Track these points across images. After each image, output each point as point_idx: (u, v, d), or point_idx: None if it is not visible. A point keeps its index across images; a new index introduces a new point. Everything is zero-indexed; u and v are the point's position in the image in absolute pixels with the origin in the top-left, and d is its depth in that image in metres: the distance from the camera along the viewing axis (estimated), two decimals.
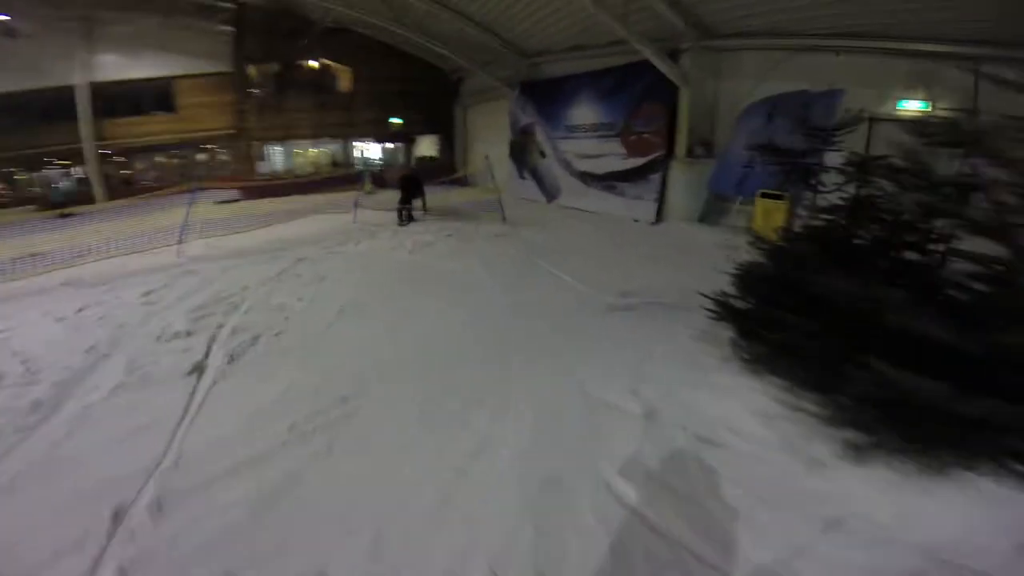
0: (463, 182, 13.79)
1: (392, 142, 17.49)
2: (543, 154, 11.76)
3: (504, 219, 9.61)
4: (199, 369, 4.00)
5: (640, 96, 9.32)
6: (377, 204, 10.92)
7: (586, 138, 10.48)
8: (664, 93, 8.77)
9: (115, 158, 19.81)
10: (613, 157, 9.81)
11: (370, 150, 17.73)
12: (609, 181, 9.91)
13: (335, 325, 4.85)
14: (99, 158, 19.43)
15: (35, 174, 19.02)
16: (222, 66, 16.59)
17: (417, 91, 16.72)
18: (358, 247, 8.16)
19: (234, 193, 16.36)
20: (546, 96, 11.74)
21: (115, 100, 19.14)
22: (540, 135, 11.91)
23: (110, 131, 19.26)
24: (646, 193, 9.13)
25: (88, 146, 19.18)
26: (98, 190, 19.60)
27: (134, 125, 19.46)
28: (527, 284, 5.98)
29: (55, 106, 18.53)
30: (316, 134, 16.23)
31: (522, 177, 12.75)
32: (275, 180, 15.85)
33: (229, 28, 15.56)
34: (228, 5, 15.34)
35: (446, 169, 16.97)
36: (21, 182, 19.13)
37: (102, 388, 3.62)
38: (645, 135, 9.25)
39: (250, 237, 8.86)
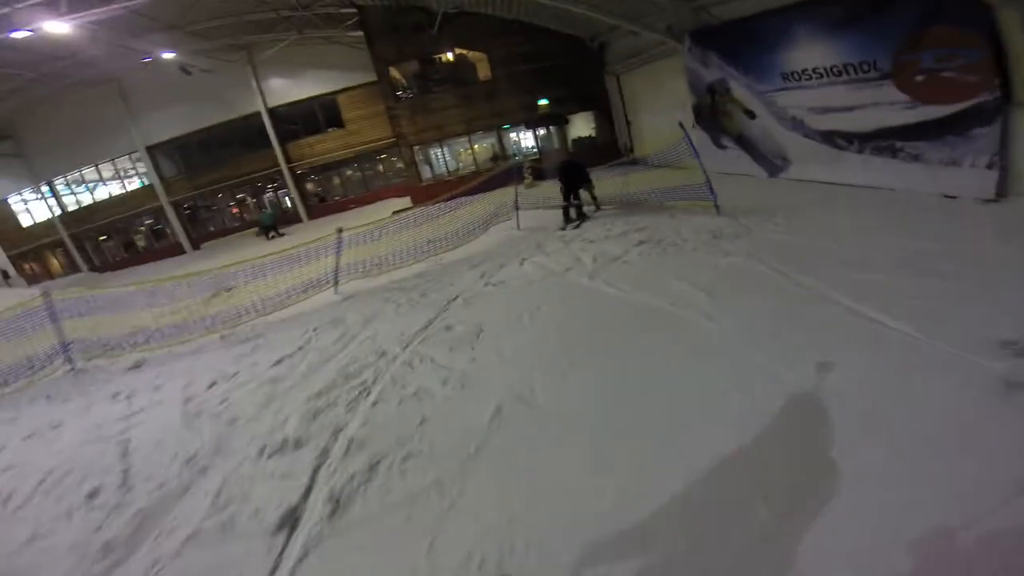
0: (633, 162, 11.15)
1: (544, 126, 15.57)
2: (751, 114, 8.46)
3: (718, 209, 6.68)
4: (291, 522, 2.72)
5: (919, 19, 5.65)
6: (540, 199, 9.06)
7: (824, 86, 6.97)
8: (966, 13, 5.11)
9: (310, 177, 21.92)
10: (885, 107, 6.18)
11: (525, 138, 16.09)
12: (884, 140, 6.31)
13: (487, 445, 2.99)
14: (295, 179, 21.66)
15: (260, 197, 22.07)
16: (371, 75, 16.57)
17: (557, 66, 14.45)
18: (523, 268, 6.32)
19: (407, 200, 16.47)
20: (736, 42, 8.42)
21: (293, 122, 21.05)
22: (740, 91, 8.62)
23: (295, 152, 21.27)
24: (967, 155, 5.40)
25: (284, 169, 21.42)
26: (301, 209, 21.92)
27: (314, 144, 21.16)
28: (814, 341, 3.21)
29: (247, 134, 20.76)
30: (467, 129, 15.23)
31: (720, 146, 9.57)
32: (439, 182, 15.29)
33: (359, 33, 15.30)
34: (349, 10, 14.95)
35: (609, 149, 14.54)
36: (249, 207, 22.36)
37: (180, 530, 2.88)
38: (946, 73, 5.54)
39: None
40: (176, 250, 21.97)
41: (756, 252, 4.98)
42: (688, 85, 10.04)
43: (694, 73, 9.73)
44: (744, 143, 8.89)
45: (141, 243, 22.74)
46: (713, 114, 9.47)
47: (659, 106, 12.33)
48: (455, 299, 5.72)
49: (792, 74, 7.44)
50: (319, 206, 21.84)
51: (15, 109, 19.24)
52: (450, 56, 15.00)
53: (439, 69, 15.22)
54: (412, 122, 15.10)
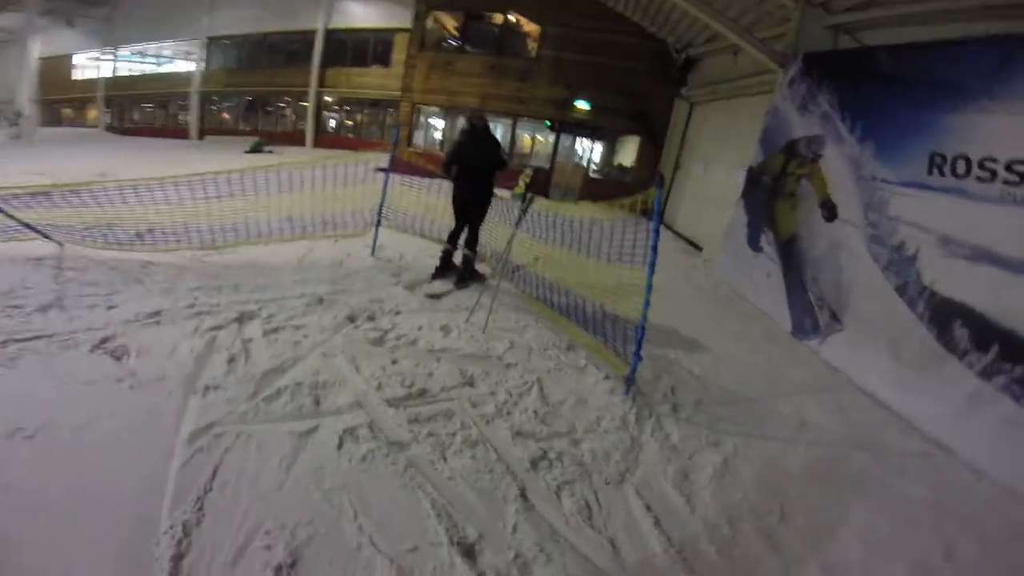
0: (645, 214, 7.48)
1: (576, 134, 11.97)
2: (829, 210, 4.60)
3: (626, 387, 3.01)
4: None
5: None
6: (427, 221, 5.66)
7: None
8: None
9: (335, 106, 20.17)
10: None
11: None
12: None
13: None
14: (317, 103, 19.78)
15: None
16: None
17: (619, 68, 10.87)
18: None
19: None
20: (875, 81, 4.37)
21: (343, 48, 19.05)
22: (835, 164, 4.75)
23: (331, 78, 19.27)
24: None
25: (312, 91, 19.55)
26: (309, 134, 20.16)
27: (352, 76, 19.00)
28: None
29: (297, 48, 19.26)
30: (480, 105, 11.96)
31: (755, 247, 5.69)
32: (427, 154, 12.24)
33: None
34: None
35: (637, 190, 10.85)
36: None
37: None
38: None
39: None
40: (183, 134, 21.39)
41: None
42: (762, 134, 6.19)
43: (779, 117, 5.84)
44: (788, 257, 4.98)
45: (159, 120, 22.78)
46: (771, 191, 5.63)
47: (722, 159, 8.53)
48: None
49: (959, 161, 3.54)
50: (326, 137, 19.98)
51: None
52: (501, 18, 11.84)
53: (483, 29, 12.12)
54: (426, 78, 12.13)
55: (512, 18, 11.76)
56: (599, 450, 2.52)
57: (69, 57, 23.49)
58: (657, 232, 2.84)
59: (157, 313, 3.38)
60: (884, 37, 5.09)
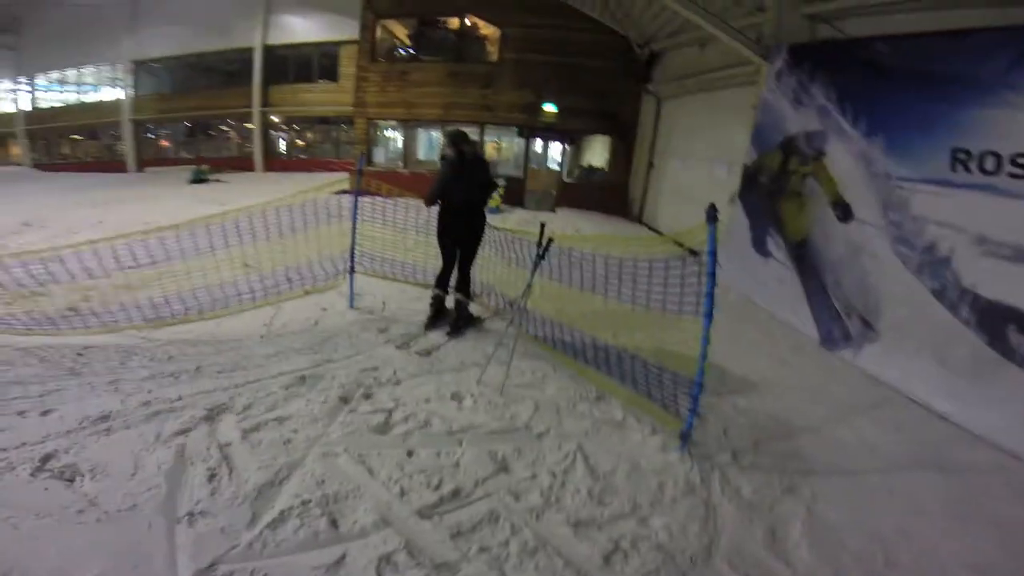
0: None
1: (545, 138, 11.57)
2: (844, 210, 4.35)
3: (682, 442, 2.63)
4: None
5: None
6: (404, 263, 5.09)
7: None
8: None
9: (283, 126, 19.12)
10: None
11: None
12: None
13: None
14: (263, 124, 18.70)
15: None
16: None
17: (584, 67, 10.59)
18: None
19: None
20: (874, 72, 4.17)
21: (284, 64, 17.98)
22: (842, 162, 4.49)
23: (276, 96, 18.20)
24: None
25: (256, 112, 18.46)
26: (258, 158, 19.04)
27: (299, 93, 17.99)
28: None
29: (236, 68, 18.14)
30: (443, 116, 11.41)
31: (762, 252, 5.41)
32: (391, 173, 11.64)
33: None
34: None
35: (616, 196, 10.63)
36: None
37: None
38: None
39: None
40: (120, 167, 19.81)
41: None
42: (753, 130, 5.91)
43: (770, 112, 5.55)
44: (803, 260, 4.73)
45: (92, 153, 21.25)
46: (773, 191, 5.37)
47: (700, 155, 8.32)
48: None
49: (987, 158, 3.29)
50: (278, 160, 18.92)
51: (23, 2, 18.40)
52: (457, 23, 11.31)
53: (439, 36, 11.57)
54: (381, 91, 11.47)
55: (469, 22, 11.24)
56: (673, 525, 2.19)
57: None
58: (713, 275, 2.44)
59: (106, 417, 2.75)
60: (865, 27, 4.90)
